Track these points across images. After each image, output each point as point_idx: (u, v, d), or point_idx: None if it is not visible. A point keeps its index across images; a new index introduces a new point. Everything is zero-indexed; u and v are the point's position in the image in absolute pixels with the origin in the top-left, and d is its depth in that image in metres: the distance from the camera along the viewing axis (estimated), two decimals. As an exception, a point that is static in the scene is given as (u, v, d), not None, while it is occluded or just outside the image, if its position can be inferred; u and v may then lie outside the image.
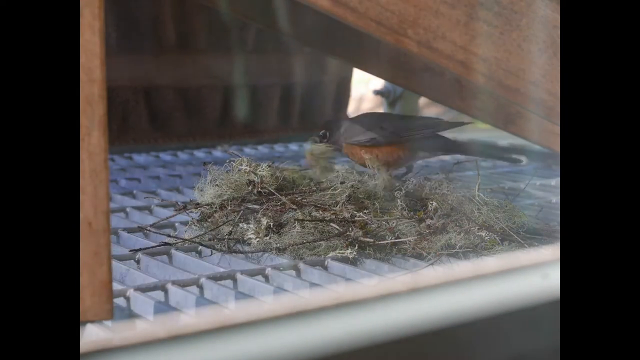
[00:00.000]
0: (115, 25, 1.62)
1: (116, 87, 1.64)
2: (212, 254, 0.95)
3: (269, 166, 1.08)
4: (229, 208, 1.02)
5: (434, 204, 1.01)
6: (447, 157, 1.80)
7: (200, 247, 0.97)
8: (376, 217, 0.99)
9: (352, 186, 1.03)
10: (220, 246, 0.96)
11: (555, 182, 1.44)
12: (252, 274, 0.88)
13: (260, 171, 1.06)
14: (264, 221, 0.98)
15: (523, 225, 1.02)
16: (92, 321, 0.67)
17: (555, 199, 1.27)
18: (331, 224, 0.97)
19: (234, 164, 1.07)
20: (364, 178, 1.05)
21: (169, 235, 1.01)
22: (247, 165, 1.06)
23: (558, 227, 1.04)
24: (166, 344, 0.46)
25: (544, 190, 1.37)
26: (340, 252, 0.94)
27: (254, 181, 1.04)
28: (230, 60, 1.76)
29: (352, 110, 2.38)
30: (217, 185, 1.06)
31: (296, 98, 1.89)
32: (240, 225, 1.00)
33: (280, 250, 0.94)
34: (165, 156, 1.77)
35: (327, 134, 1.20)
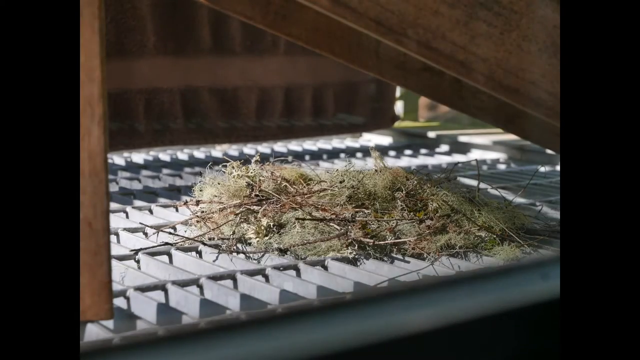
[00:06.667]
0: (153, 28, 1.62)
1: (153, 89, 1.64)
2: (219, 254, 0.95)
3: (257, 161, 1.08)
4: (229, 210, 1.02)
5: (434, 204, 1.01)
6: (447, 158, 1.81)
7: (200, 247, 0.97)
8: (376, 217, 0.99)
9: (352, 186, 1.03)
10: (224, 246, 0.96)
11: (555, 181, 1.44)
12: (252, 274, 0.88)
13: (251, 173, 1.06)
14: (264, 221, 0.99)
15: (523, 225, 1.02)
16: (92, 321, 0.67)
17: (555, 198, 1.27)
18: (331, 224, 0.97)
19: (227, 170, 1.07)
20: (364, 178, 1.05)
21: (171, 233, 1.01)
22: (237, 170, 1.06)
23: (558, 227, 1.04)
24: (166, 344, 0.46)
25: (544, 190, 1.37)
26: (341, 252, 0.94)
27: (252, 184, 1.04)
28: (265, 62, 1.77)
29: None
30: (216, 187, 1.06)
31: (330, 99, 1.90)
32: (241, 225, 1.00)
33: (281, 251, 0.94)
34: (165, 156, 1.77)
35: None
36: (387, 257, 0.95)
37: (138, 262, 0.94)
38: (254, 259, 0.95)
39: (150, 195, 1.33)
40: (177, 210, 1.18)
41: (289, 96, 1.84)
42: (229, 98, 1.74)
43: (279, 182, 1.06)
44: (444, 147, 1.94)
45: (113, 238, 1.04)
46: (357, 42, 1.31)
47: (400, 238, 0.96)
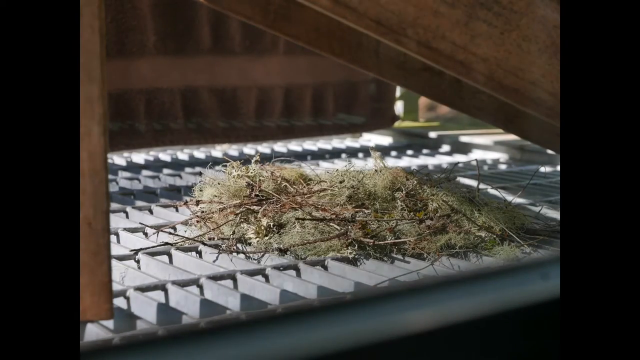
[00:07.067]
0: (153, 28, 1.62)
1: (153, 89, 1.64)
2: (219, 255, 0.95)
3: (257, 161, 1.08)
4: (229, 210, 1.02)
5: (434, 204, 1.01)
6: (448, 158, 1.81)
7: (200, 247, 0.97)
8: (376, 217, 0.99)
9: (352, 186, 1.03)
10: (224, 246, 0.96)
11: (555, 181, 1.44)
12: (252, 274, 0.88)
13: (251, 172, 1.06)
14: (264, 221, 0.99)
15: (523, 225, 1.02)
16: (92, 321, 0.67)
17: (555, 198, 1.27)
18: (331, 224, 0.97)
19: (226, 171, 1.07)
20: (364, 178, 1.05)
21: (171, 233, 1.01)
22: (237, 170, 1.06)
23: (558, 227, 1.04)
24: (166, 344, 0.46)
25: (544, 190, 1.37)
26: (341, 252, 0.94)
27: (252, 184, 1.04)
28: (264, 62, 1.77)
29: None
30: (216, 187, 1.06)
31: (330, 99, 1.90)
32: (241, 225, 1.00)
33: (281, 251, 0.94)
34: (165, 156, 1.77)
35: None
36: (387, 257, 0.95)
37: (138, 262, 0.94)
38: (254, 259, 0.95)
39: (150, 195, 1.33)
40: (177, 210, 1.18)
41: (288, 96, 1.84)
42: (228, 98, 1.74)
43: (279, 182, 1.06)
44: (445, 147, 1.94)
45: (113, 238, 1.04)
46: (357, 42, 1.31)
47: (400, 238, 0.96)
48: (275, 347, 0.48)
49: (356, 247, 0.95)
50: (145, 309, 0.78)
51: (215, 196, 1.06)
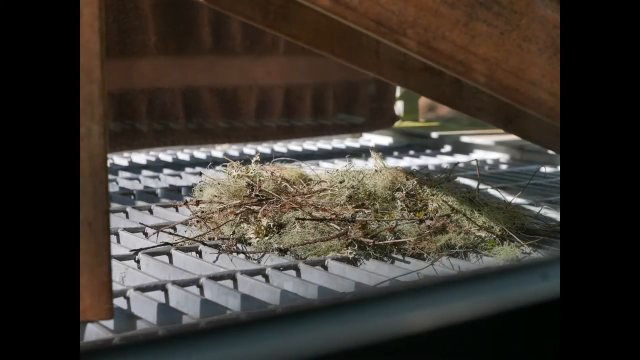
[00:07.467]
0: (154, 28, 1.62)
1: (155, 89, 1.64)
2: (219, 255, 0.95)
3: (257, 161, 1.08)
4: (229, 210, 1.02)
5: (434, 204, 1.01)
6: (448, 158, 1.81)
7: (200, 247, 0.97)
8: (376, 217, 0.99)
9: (352, 186, 1.03)
10: (224, 246, 0.96)
11: (555, 181, 1.44)
12: (252, 274, 0.88)
13: (251, 173, 1.06)
14: (264, 221, 0.99)
15: (523, 225, 1.02)
16: (92, 321, 0.67)
17: (555, 198, 1.27)
18: (331, 224, 0.97)
19: (226, 171, 1.07)
20: (364, 178, 1.05)
21: (171, 233, 1.01)
22: (237, 170, 1.06)
23: (558, 227, 1.04)
24: (166, 344, 0.46)
25: (544, 190, 1.37)
26: (341, 252, 0.94)
27: (252, 184, 1.04)
28: (265, 62, 1.77)
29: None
30: (216, 187, 1.06)
31: (330, 99, 1.90)
32: (241, 225, 1.00)
33: (281, 251, 0.94)
34: (166, 156, 1.77)
35: None
36: (387, 257, 0.95)
37: (138, 262, 0.94)
38: (254, 259, 0.95)
39: (150, 195, 1.33)
40: (177, 210, 1.18)
41: (289, 96, 1.84)
42: (229, 98, 1.74)
43: (279, 182, 1.06)
44: (446, 148, 1.94)
45: (113, 238, 1.04)
46: (357, 42, 1.31)
47: (400, 238, 0.96)
48: (275, 347, 0.48)
49: (356, 247, 0.95)
50: (145, 309, 0.78)
51: (215, 196, 1.06)
